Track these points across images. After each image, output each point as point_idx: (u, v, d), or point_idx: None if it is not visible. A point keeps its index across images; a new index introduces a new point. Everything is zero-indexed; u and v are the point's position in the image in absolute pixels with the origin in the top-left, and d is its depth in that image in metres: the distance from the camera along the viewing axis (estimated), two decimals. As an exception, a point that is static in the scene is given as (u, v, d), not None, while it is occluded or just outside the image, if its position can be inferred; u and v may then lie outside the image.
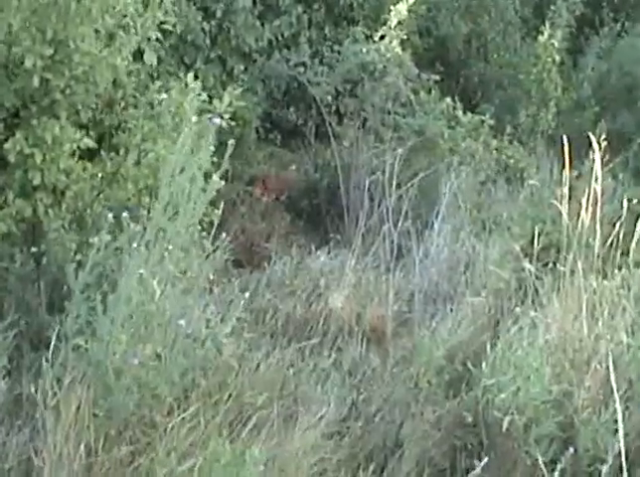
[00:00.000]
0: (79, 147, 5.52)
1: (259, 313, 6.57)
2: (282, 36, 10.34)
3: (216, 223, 5.61)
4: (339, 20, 10.93)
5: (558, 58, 10.34)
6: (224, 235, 5.55)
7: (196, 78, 9.34)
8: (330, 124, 9.18)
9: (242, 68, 9.64)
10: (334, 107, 9.36)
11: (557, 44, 10.23)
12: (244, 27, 9.47)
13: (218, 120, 5.02)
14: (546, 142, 10.10)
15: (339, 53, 9.58)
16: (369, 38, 9.79)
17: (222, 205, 5.57)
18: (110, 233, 4.98)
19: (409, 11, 9.76)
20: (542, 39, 10.39)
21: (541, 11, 11.69)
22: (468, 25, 11.26)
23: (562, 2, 10.81)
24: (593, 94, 10.97)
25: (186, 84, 6.16)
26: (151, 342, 4.53)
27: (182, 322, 4.64)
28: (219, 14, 8.97)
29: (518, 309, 6.31)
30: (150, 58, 6.27)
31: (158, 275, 4.74)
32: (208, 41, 9.09)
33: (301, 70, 9.55)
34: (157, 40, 6.45)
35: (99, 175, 5.69)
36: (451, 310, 6.76)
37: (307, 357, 6.17)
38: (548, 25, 10.43)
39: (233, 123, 6.43)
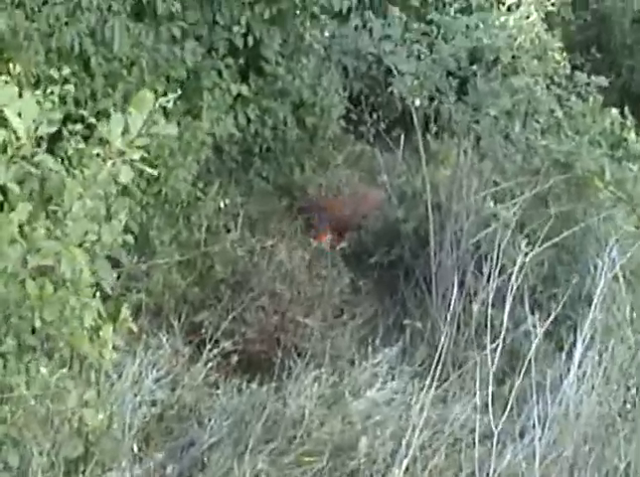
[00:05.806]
0: None
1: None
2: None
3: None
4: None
5: None
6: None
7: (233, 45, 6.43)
8: (423, 138, 5.90)
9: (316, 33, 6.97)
10: (429, 113, 6.01)
11: None
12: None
13: None
14: None
15: (439, 28, 6.03)
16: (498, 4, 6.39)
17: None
18: None
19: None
20: None
21: None
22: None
23: None
24: None
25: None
26: None
27: None
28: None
29: None
30: None
31: None
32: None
33: (387, 47, 6.16)
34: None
35: None
36: None
37: None
38: None
39: (153, 171, 3.21)
